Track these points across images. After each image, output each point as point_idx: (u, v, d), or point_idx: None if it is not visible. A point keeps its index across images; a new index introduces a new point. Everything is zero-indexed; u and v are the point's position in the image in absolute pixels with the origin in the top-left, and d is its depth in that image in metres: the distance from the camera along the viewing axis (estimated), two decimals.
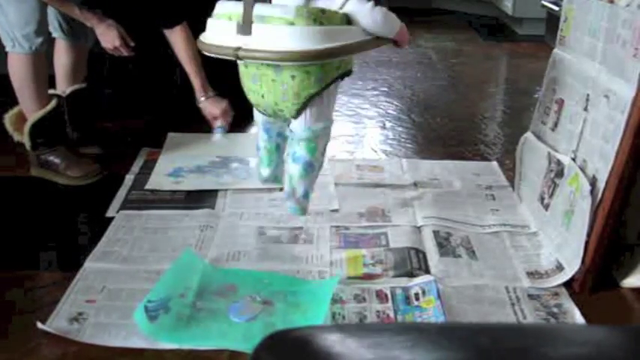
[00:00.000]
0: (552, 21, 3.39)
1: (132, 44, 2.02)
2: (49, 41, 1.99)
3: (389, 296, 1.48)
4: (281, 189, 1.75)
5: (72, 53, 2.12)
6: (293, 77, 1.48)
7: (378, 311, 1.43)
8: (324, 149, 1.64)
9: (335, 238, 1.72)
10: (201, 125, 2.47)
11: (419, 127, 2.60)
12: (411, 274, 1.55)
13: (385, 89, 3.07)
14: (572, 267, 1.51)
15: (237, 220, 1.80)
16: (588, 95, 1.58)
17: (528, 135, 1.87)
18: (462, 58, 3.80)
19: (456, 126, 2.62)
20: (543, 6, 3.67)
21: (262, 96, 1.54)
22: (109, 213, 1.82)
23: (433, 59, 3.72)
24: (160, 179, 2.03)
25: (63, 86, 2.13)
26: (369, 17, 1.49)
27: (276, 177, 1.75)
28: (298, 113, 1.54)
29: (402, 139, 2.46)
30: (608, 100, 1.49)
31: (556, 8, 3.33)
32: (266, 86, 1.51)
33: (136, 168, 2.11)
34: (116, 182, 1.99)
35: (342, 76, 1.58)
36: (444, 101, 2.97)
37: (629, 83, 1.41)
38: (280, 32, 1.42)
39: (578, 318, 1.42)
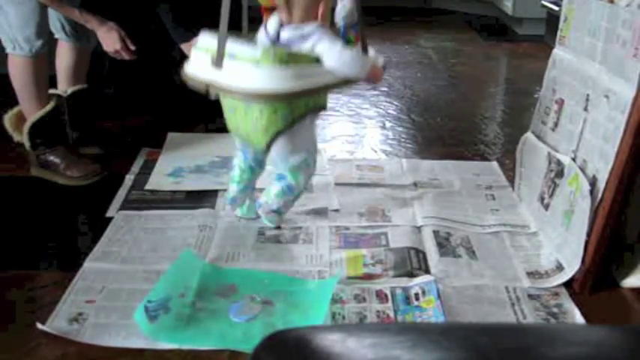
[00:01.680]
0: (552, 21, 3.39)
1: (133, 47, 2.00)
2: (51, 41, 1.99)
3: (389, 296, 1.48)
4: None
5: (74, 55, 2.12)
6: (261, 113, 1.54)
7: (378, 311, 1.43)
8: (309, 179, 1.72)
9: (335, 238, 1.72)
10: (201, 125, 2.47)
11: (419, 127, 2.60)
12: (411, 274, 1.55)
13: (385, 89, 3.07)
14: (572, 267, 1.51)
15: (236, 220, 1.80)
16: (588, 95, 1.58)
17: (528, 135, 1.87)
18: (462, 58, 3.80)
19: (456, 126, 2.62)
20: (543, 6, 3.67)
21: (237, 126, 1.62)
22: (109, 213, 1.82)
23: (433, 59, 3.72)
24: (159, 179, 2.03)
25: (64, 86, 2.13)
26: (337, 60, 1.53)
27: (242, 201, 1.78)
28: (268, 147, 1.60)
29: (402, 139, 2.46)
30: (608, 100, 1.49)
31: (556, 8, 3.33)
32: (240, 117, 1.59)
33: (135, 168, 2.11)
34: (116, 182, 1.99)
35: (315, 111, 1.64)
36: (443, 101, 2.97)
37: (629, 83, 1.41)
38: (247, 71, 1.48)
39: (578, 318, 1.42)
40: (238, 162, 1.75)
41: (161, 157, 2.20)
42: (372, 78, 1.64)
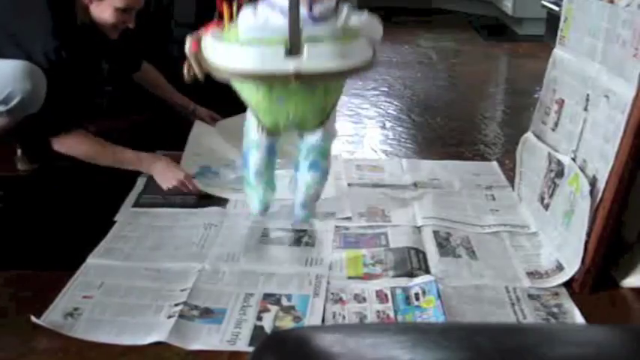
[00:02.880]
0: (552, 21, 3.39)
1: (195, 187, 1.87)
2: None
3: (389, 296, 1.48)
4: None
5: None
6: (326, 92, 1.57)
7: (378, 311, 1.43)
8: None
9: (335, 238, 1.72)
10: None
11: (419, 127, 2.60)
12: (411, 274, 1.55)
13: (385, 89, 3.07)
14: (572, 267, 1.51)
15: (242, 220, 1.79)
16: (588, 95, 1.58)
17: (528, 135, 1.87)
18: (462, 58, 3.80)
19: (456, 126, 2.62)
20: (543, 6, 3.67)
21: (287, 116, 1.58)
22: (118, 217, 1.80)
23: (433, 59, 3.72)
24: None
25: None
26: (376, 27, 1.61)
27: (271, 202, 1.79)
28: (321, 125, 1.62)
29: (402, 139, 2.46)
30: (608, 100, 1.49)
31: (556, 8, 3.33)
32: (294, 106, 1.56)
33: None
34: (128, 185, 1.96)
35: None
36: (444, 101, 2.97)
37: (629, 83, 1.41)
38: (335, 50, 1.47)
39: (578, 318, 1.42)
40: (263, 167, 1.70)
41: (186, 150, 2.11)
42: None
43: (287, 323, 1.39)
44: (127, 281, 1.51)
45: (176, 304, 1.43)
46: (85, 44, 1.81)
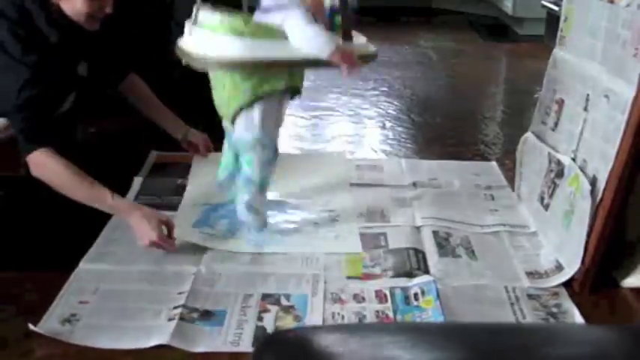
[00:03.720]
0: (552, 21, 3.39)
1: (174, 237, 1.64)
2: None
3: (388, 296, 1.48)
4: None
5: None
6: (224, 85, 1.58)
7: (377, 311, 1.43)
8: (267, 170, 1.67)
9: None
10: (201, 122, 2.46)
11: (418, 127, 2.60)
12: (410, 275, 1.55)
13: (385, 89, 3.07)
14: (571, 267, 1.51)
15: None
16: (588, 95, 1.58)
17: (529, 135, 1.87)
18: (462, 58, 3.80)
19: (456, 126, 2.62)
20: (543, 6, 3.67)
21: (215, 98, 1.64)
22: (115, 217, 1.80)
23: (433, 59, 3.72)
24: (186, 230, 1.73)
25: None
26: (298, 34, 1.50)
27: (229, 185, 1.77)
28: (232, 121, 1.61)
29: (402, 139, 2.46)
30: (608, 100, 1.49)
31: (556, 8, 3.33)
32: (217, 88, 1.62)
33: (144, 172, 2.08)
34: (126, 186, 1.96)
35: (285, 94, 1.62)
36: (443, 101, 2.97)
37: (629, 83, 1.41)
38: (205, 38, 1.53)
39: (578, 318, 1.42)
40: (225, 146, 1.74)
41: (187, 191, 1.95)
42: (336, 60, 1.51)
43: (288, 322, 1.39)
44: (122, 285, 1.51)
45: (175, 307, 1.42)
46: (60, 49, 1.70)
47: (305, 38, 1.50)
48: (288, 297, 1.47)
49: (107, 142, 2.24)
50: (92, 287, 1.50)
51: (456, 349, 0.69)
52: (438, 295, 1.46)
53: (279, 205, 1.85)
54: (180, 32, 1.64)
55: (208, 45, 1.52)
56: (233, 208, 1.75)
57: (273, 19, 1.52)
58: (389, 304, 1.45)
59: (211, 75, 1.61)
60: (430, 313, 1.42)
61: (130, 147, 2.23)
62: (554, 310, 1.45)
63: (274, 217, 1.79)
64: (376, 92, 3.01)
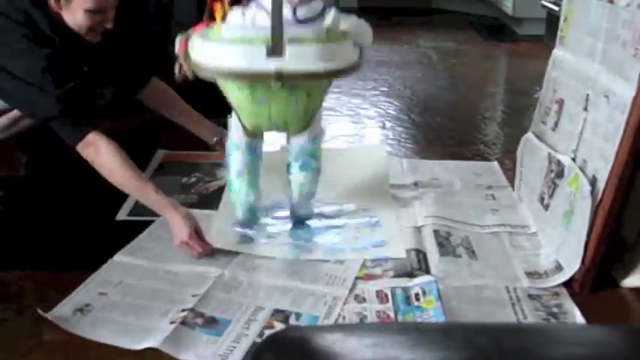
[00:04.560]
0: (552, 21, 3.39)
1: (209, 244, 1.62)
2: None
3: (389, 296, 1.48)
4: None
5: None
6: (309, 95, 1.53)
7: (378, 311, 1.43)
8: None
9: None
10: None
11: (419, 127, 2.60)
12: (411, 275, 1.55)
13: (385, 89, 3.07)
14: (571, 267, 1.51)
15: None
16: (588, 95, 1.58)
17: (529, 135, 1.87)
18: (462, 58, 3.80)
19: (456, 126, 2.62)
20: (543, 6, 3.67)
21: (269, 118, 1.55)
22: (119, 216, 1.80)
23: (433, 59, 3.72)
24: (225, 229, 1.72)
25: None
26: (366, 30, 1.57)
27: (255, 211, 1.74)
28: (305, 128, 1.60)
29: (402, 139, 2.46)
30: (608, 100, 1.49)
31: (556, 8, 3.33)
32: (276, 107, 1.53)
33: (149, 171, 2.08)
34: None
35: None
36: (443, 101, 2.97)
37: (629, 83, 1.41)
38: (316, 51, 1.45)
39: (579, 318, 1.42)
40: (247, 167, 1.66)
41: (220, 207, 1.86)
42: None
43: None
44: (144, 282, 1.50)
45: (183, 310, 1.40)
46: (64, 52, 1.71)
47: (368, 31, 1.58)
48: (299, 316, 1.41)
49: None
50: (116, 280, 1.51)
51: (457, 349, 0.69)
52: (439, 296, 1.46)
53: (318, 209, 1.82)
54: (180, 32, 1.64)
55: (320, 58, 1.45)
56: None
57: (320, 24, 1.51)
58: (390, 304, 1.45)
59: (273, 93, 1.50)
60: (431, 313, 1.41)
61: (134, 147, 2.23)
62: (555, 310, 1.45)
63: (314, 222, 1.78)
64: (376, 92, 3.01)
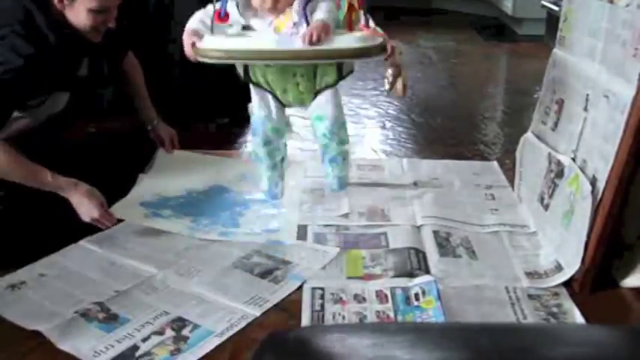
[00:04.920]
0: (552, 21, 3.39)
1: (114, 217, 1.72)
2: None
3: (389, 296, 1.48)
4: None
5: None
6: (296, 84, 1.68)
7: (378, 311, 1.43)
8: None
9: (335, 239, 1.72)
10: (200, 123, 2.47)
11: (419, 127, 2.60)
12: (411, 275, 1.55)
13: (385, 89, 3.07)
14: (571, 267, 1.51)
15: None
16: (588, 95, 1.58)
17: (528, 135, 1.87)
18: (462, 58, 3.80)
19: (456, 126, 2.62)
20: (543, 6, 3.67)
21: (282, 99, 1.72)
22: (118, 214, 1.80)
23: (433, 59, 3.72)
24: (129, 207, 1.82)
25: None
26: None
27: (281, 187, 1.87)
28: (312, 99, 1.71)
29: (402, 139, 2.46)
30: (608, 100, 1.49)
31: (556, 8, 3.33)
32: (287, 87, 1.70)
33: (149, 168, 2.08)
34: (129, 184, 1.95)
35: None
36: (444, 101, 2.97)
37: (629, 83, 1.41)
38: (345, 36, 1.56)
39: (578, 318, 1.42)
40: (266, 133, 1.75)
41: (145, 178, 2.01)
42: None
43: (161, 352, 1.30)
44: (85, 270, 1.57)
45: (94, 303, 1.44)
46: (59, 50, 1.71)
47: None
48: (196, 327, 1.37)
49: (109, 141, 2.24)
50: (62, 263, 1.58)
51: (456, 349, 0.69)
52: (438, 296, 1.46)
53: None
54: (180, 32, 1.64)
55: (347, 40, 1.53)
56: (184, 202, 1.89)
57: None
58: (390, 304, 1.45)
59: (275, 77, 1.66)
60: (431, 313, 1.42)
61: (132, 146, 2.23)
62: (555, 310, 1.45)
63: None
64: (376, 92, 3.01)
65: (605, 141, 1.47)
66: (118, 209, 1.76)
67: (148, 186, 1.96)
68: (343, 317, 1.41)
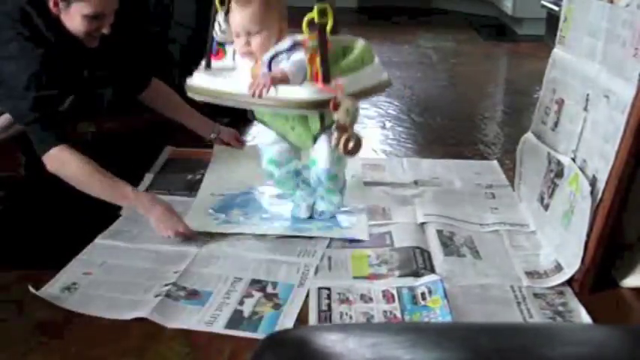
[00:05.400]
0: (552, 21, 3.39)
1: (195, 236, 1.68)
2: None
3: (395, 296, 1.47)
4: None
5: None
6: (292, 128, 1.67)
7: (384, 311, 1.43)
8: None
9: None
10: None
11: (419, 127, 2.60)
12: (416, 274, 1.54)
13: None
14: (571, 267, 1.51)
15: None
16: (588, 95, 1.58)
17: (528, 135, 1.87)
18: (462, 58, 3.80)
19: (456, 126, 2.62)
20: (543, 6, 3.67)
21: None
22: (124, 212, 1.80)
23: (433, 59, 3.72)
24: (200, 218, 1.79)
25: None
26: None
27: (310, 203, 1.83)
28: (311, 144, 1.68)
29: (402, 139, 2.46)
30: (608, 100, 1.49)
31: (556, 8, 3.33)
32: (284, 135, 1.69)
33: (157, 167, 2.10)
34: (133, 183, 1.95)
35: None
36: (443, 101, 2.97)
37: (629, 83, 1.41)
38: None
39: (584, 316, 1.41)
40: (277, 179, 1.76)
41: (204, 180, 2.01)
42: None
43: (266, 309, 1.42)
44: (127, 261, 1.59)
45: (166, 285, 1.48)
46: (63, 57, 1.72)
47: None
48: (275, 285, 1.51)
49: (114, 141, 2.24)
50: (99, 260, 1.59)
51: (456, 349, 0.69)
52: (445, 295, 1.45)
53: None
54: (180, 33, 1.65)
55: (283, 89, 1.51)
56: (251, 197, 1.90)
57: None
58: (396, 304, 1.45)
59: (268, 125, 1.67)
60: (438, 312, 1.41)
61: (141, 145, 2.24)
62: (561, 308, 1.44)
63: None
64: None
65: (605, 141, 1.47)
66: (193, 220, 1.74)
67: (209, 188, 1.96)
68: (350, 317, 1.41)
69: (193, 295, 1.46)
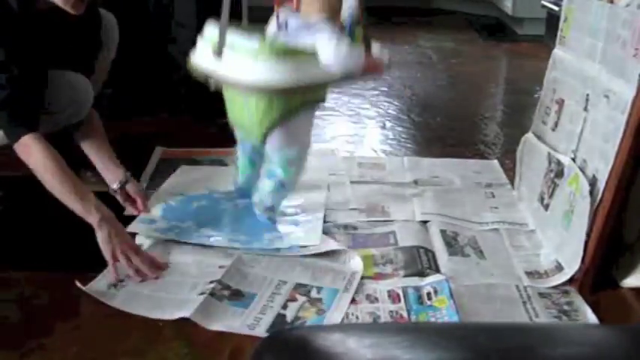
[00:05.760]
0: (552, 21, 3.39)
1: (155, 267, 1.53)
2: None
3: (401, 296, 1.47)
4: None
5: None
6: (257, 105, 1.55)
7: (391, 311, 1.42)
8: (300, 175, 1.71)
9: (344, 239, 1.71)
10: (199, 125, 2.47)
11: (418, 126, 2.60)
12: (422, 274, 1.54)
13: (385, 89, 3.07)
14: (571, 267, 1.51)
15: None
16: (588, 95, 1.58)
17: (529, 135, 1.87)
18: (462, 58, 3.80)
19: (456, 126, 2.62)
20: (543, 6, 3.67)
21: (235, 117, 1.65)
22: (127, 212, 1.79)
23: (433, 59, 3.72)
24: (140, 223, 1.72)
25: None
26: (331, 55, 1.51)
27: (247, 189, 1.80)
28: (263, 139, 1.60)
29: (402, 139, 2.46)
30: (608, 100, 1.49)
31: (556, 8, 3.33)
32: (238, 109, 1.61)
33: (149, 168, 2.09)
34: None
35: (312, 105, 1.64)
36: (443, 101, 2.97)
37: (629, 83, 1.41)
38: (245, 63, 1.50)
39: (590, 316, 1.41)
40: (239, 156, 1.78)
41: (160, 189, 1.94)
42: (370, 70, 1.63)
43: (310, 314, 1.41)
44: (176, 257, 1.57)
45: (211, 282, 1.46)
46: (38, 35, 1.59)
47: (338, 58, 1.51)
48: (319, 289, 1.48)
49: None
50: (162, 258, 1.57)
51: (456, 349, 0.69)
52: (451, 295, 1.45)
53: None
54: (180, 33, 1.65)
55: (248, 70, 1.49)
56: (208, 201, 1.84)
57: (303, 39, 1.53)
58: (402, 304, 1.44)
59: (234, 96, 1.60)
60: (444, 312, 1.41)
61: (132, 146, 2.24)
62: (567, 307, 1.44)
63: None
64: (376, 92, 3.01)
65: (605, 141, 1.48)
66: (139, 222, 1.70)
67: (166, 190, 1.92)
68: (357, 317, 1.40)
69: (237, 296, 1.44)
